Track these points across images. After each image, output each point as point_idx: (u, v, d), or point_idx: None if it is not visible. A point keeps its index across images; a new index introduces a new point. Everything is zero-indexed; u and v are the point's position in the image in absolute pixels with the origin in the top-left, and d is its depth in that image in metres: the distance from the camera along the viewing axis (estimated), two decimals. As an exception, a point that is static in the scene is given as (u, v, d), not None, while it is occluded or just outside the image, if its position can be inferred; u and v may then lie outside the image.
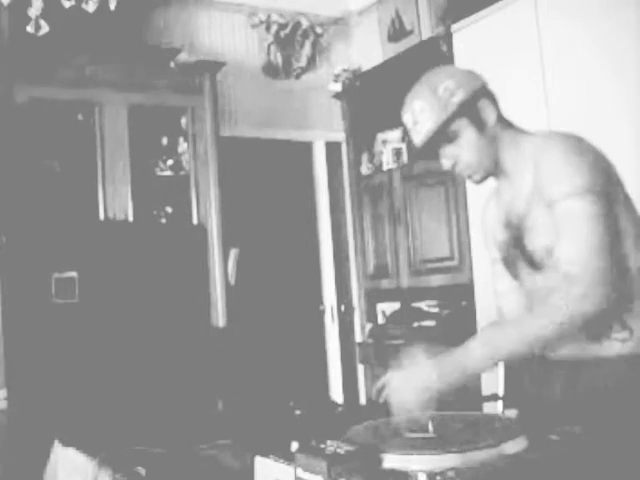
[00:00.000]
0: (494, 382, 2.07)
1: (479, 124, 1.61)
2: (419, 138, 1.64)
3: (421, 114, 1.61)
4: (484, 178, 1.68)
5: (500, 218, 1.72)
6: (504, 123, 1.66)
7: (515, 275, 1.71)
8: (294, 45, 4.71)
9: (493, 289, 1.87)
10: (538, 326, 1.49)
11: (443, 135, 1.61)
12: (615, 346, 1.54)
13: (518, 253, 1.65)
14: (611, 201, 1.50)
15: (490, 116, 1.62)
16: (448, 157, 1.65)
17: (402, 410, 1.49)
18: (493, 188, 1.79)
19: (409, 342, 4.16)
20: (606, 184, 1.51)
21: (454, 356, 1.51)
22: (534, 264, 1.61)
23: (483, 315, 3.41)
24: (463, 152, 1.63)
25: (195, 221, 3.84)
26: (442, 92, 1.59)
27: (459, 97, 1.58)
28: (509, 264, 1.71)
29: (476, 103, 1.61)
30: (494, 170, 1.67)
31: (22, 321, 3.28)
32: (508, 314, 1.84)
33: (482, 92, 1.62)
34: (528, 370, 1.76)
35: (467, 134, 1.61)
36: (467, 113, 1.60)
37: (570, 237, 1.48)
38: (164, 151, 3.90)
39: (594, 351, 1.56)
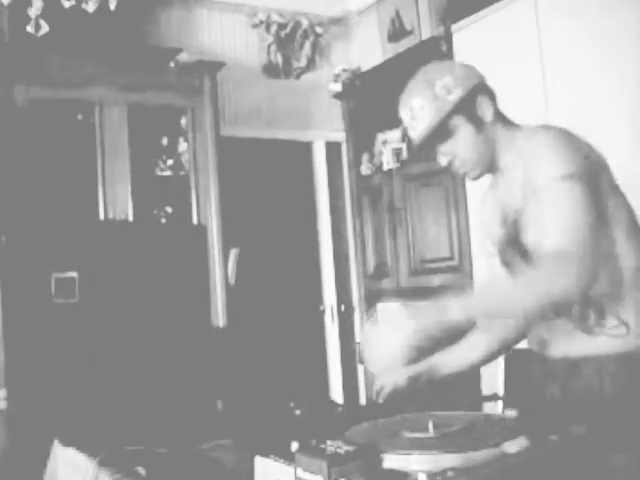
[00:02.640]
0: (494, 382, 2.08)
1: (476, 121, 1.61)
2: (416, 135, 1.64)
3: (419, 111, 1.61)
4: (481, 174, 1.68)
5: (497, 215, 1.72)
6: (501, 119, 1.65)
7: (511, 271, 1.71)
8: (294, 45, 4.71)
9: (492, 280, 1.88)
10: (515, 293, 1.46)
11: (440, 132, 1.61)
12: (614, 343, 1.53)
13: (515, 250, 1.65)
14: (597, 188, 1.49)
15: (487, 113, 1.62)
16: (445, 154, 1.65)
17: (377, 366, 1.44)
18: (489, 184, 1.79)
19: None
20: (591, 171, 1.50)
21: (430, 310, 1.43)
22: (531, 259, 1.60)
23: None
24: (460, 149, 1.63)
25: (195, 221, 3.84)
26: (439, 89, 1.59)
27: (456, 95, 1.58)
28: (506, 262, 1.71)
29: (474, 100, 1.60)
30: (491, 166, 1.67)
31: (22, 321, 3.28)
32: None
33: (480, 88, 1.62)
34: (528, 370, 1.76)
35: (464, 131, 1.61)
36: (464, 110, 1.59)
37: (552, 217, 1.46)
38: (164, 151, 3.90)
39: (593, 349, 1.55)
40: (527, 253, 1.60)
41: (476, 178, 1.69)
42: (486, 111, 1.62)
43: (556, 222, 1.45)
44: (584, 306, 1.54)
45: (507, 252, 1.69)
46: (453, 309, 1.41)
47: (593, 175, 1.50)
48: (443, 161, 1.67)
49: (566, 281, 1.40)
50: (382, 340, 1.39)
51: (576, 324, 1.56)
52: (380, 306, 1.52)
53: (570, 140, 1.53)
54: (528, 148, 1.56)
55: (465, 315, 1.43)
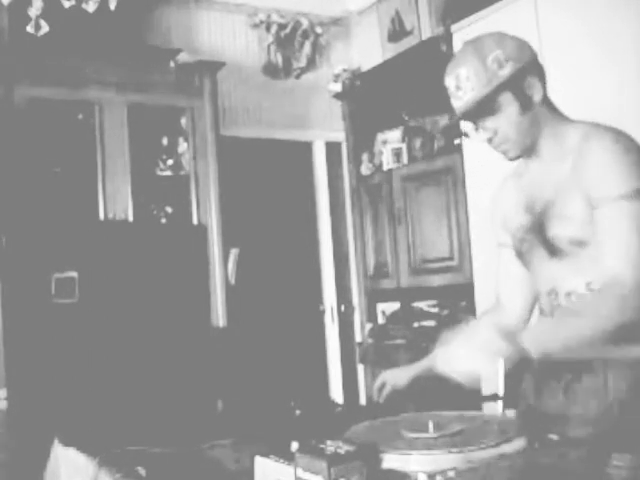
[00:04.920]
0: (494, 382, 2.07)
1: (524, 100, 1.57)
2: (460, 105, 1.59)
3: (466, 81, 1.56)
4: (519, 156, 1.65)
5: (520, 201, 1.69)
6: (549, 105, 1.62)
7: (526, 261, 1.69)
8: (294, 45, 4.71)
9: (496, 273, 1.86)
10: (578, 325, 1.47)
11: (485, 106, 1.56)
12: (630, 349, 1.52)
13: (535, 238, 1.63)
14: None
15: (536, 94, 1.58)
16: (487, 129, 1.60)
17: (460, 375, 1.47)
18: (514, 171, 1.76)
19: (409, 342, 4.17)
20: None
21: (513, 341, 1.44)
22: (554, 251, 1.59)
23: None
24: (503, 126, 1.58)
25: (195, 221, 3.84)
26: (490, 62, 1.54)
27: (507, 70, 1.54)
28: (522, 249, 1.69)
29: (524, 78, 1.56)
30: (530, 150, 1.63)
31: (22, 321, 3.28)
32: (507, 302, 1.83)
33: (531, 67, 1.58)
34: (528, 370, 1.76)
35: (510, 109, 1.57)
36: (513, 87, 1.55)
37: (618, 240, 1.45)
38: (164, 151, 3.90)
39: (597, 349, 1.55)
40: (551, 245, 1.59)
41: (513, 159, 1.65)
42: (535, 92, 1.58)
43: (621, 243, 1.45)
44: None
45: (525, 241, 1.67)
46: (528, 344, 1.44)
47: None
48: (484, 136, 1.62)
49: (631, 307, 1.42)
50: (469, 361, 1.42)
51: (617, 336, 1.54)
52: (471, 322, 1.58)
53: (633, 150, 1.51)
54: (588, 148, 1.53)
55: (537, 353, 1.45)
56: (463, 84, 1.57)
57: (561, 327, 1.51)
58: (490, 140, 1.62)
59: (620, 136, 1.54)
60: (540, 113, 1.60)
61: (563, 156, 1.59)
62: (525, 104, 1.57)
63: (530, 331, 1.51)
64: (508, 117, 1.57)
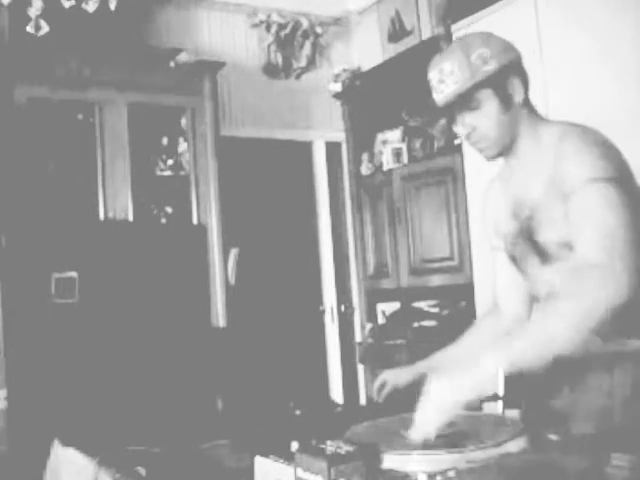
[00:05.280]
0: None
1: (505, 99, 1.58)
2: (441, 98, 1.60)
3: (449, 75, 1.57)
4: (497, 155, 1.65)
5: (507, 207, 1.69)
6: (529, 107, 1.63)
7: (520, 266, 1.68)
8: (294, 45, 4.71)
9: (493, 276, 1.86)
10: (554, 329, 1.36)
11: (466, 101, 1.58)
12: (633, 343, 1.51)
13: (527, 246, 1.62)
14: (630, 192, 1.47)
15: (517, 94, 1.59)
16: (465, 125, 1.61)
17: (419, 434, 1.33)
18: (497, 173, 1.76)
19: (409, 342, 4.17)
20: (625, 175, 1.49)
21: (468, 378, 1.35)
22: (546, 257, 1.58)
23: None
24: (482, 123, 1.59)
25: (195, 221, 3.83)
26: (475, 58, 1.55)
27: (491, 67, 1.55)
28: (516, 257, 1.68)
29: (507, 77, 1.57)
30: (508, 150, 1.64)
31: (22, 321, 3.27)
32: (504, 306, 1.83)
33: (515, 67, 1.59)
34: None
35: (490, 106, 1.58)
36: (495, 85, 1.56)
37: (592, 224, 1.42)
38: (164, 151, 3.89)
39: (597, 347, 1.53)
40: (542, 250, 1.58)
41: (491, 158, 1.65)
42: (517, 92, 1.59)
43: (596, 226, 1.41)
44: None
45: (517, 247, 1.66)
46: (489, 368, 1.34)
47: (628, 181, 1.48)
48: (462, 132, 1.63)
49: (603, 302, 1.33)
50: (426, 420, 1.32)
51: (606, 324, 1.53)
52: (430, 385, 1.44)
53: (605, 143, 1.51)
54: (563, 147, 1.53)
55: (508, 370, 1.35)
56: (446, 78, 1.58)
57: (538, 336, 1.38)
58: (468, 136, 1.62)
59: (592, 131, 1.54)
60: (520, 114, 1.60)
61: (542, 158, 1.59)
62: (506, 103, 1.58)
63: (496, 355, 1.37)
64: (487, 114, 1.58)
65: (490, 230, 1.81)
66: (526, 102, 1.61)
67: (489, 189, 1.81)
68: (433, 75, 1.62)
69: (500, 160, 1.70)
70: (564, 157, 1.51)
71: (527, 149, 1.62)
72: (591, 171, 1.45)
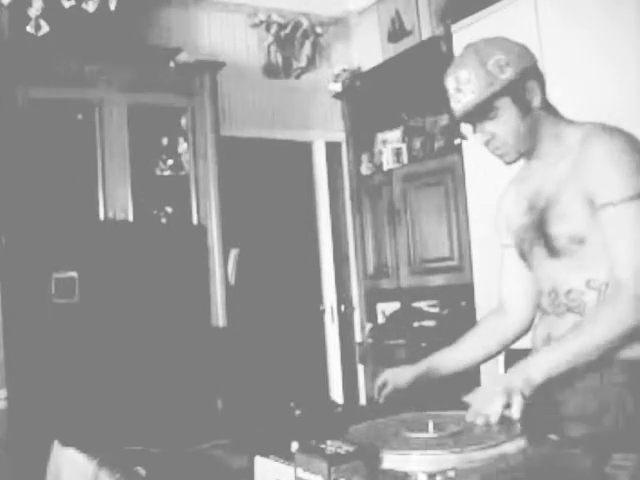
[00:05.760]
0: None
1: (523, 105, 1.58)
2: (459, 107, 1.60)
3: (466, 84, 1.57)
4: (516, 160, 1.65)
5: (521, 202, 1.70)
6: (548, 108, 1.63)
7: (528, 261, 1.69)
8: (294, 45, 4.71)
9: (499, 275, 1.87)
10: (594, 335, 1.46)
11: (484, 110, 1.57)
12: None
13: (536, 237, 1.63)
14: None
15: (535, 99, 1.59)
16: (485, 133, 1.61)
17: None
18: (516, 176, 1.77)
19: (409, 342, 4.17)
20: None
21: (516, 381, 1.43)
22: (553, 250, 1.59)
23: (483, 315, 3.41)
24: (501, 131, 1.59)
25: (195, 221, 3.84)
26: (491, 66, 1.54)
27: (508, 75, 1.55)
28: (524, 249, 1.69)
29: (524, 83, 1.57)
30: (528, 153, 1.64)
31: (22, 321, 3.27)
32: (509, 305, 1.84)
33: (531, 72, 1.59)
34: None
35: (509, 113, 1.58)
36: (513, 92, 1.56)
37: (622, 243, 1.46)
38: (164, 151, 3.89)
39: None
40: (551, 243, 1.59)
41: (510, 163, 1.66)
42: (534, 96, 1.59)
43: (626, 245, 1.46)
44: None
45: (526, 240, 1.67)
46: (536, 375, 1.45)
47: None
48: (481, 139, 1.63)
49: (631, 328, 1.44)
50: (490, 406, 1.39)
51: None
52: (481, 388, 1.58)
53: (636, 151, 1.51)
54: (589, 149, 1.53)
55: (549, 376, 1.46)
56: (463, 86, 1.57)
57: (569, 348, 1.48)
58: (487, 143, 1.63)
59: (622, 135, 1.54)
60: (539, 117, 1.61)
61: (563, 156, 1.59)
62: (524, 109, 1.58)
63: (537, 363, 1.48)
64: (506, 122, 1.58)
65: (502, 227, 1.82)
66: (545, 103, 1.61)
67: (506, 191, 1.81)
68: (450, 83, 1.61)
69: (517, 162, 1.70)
70: (591, 161, 1.52)
71: (549, 150, 1.63)
72: (624, 186, 1.47)
